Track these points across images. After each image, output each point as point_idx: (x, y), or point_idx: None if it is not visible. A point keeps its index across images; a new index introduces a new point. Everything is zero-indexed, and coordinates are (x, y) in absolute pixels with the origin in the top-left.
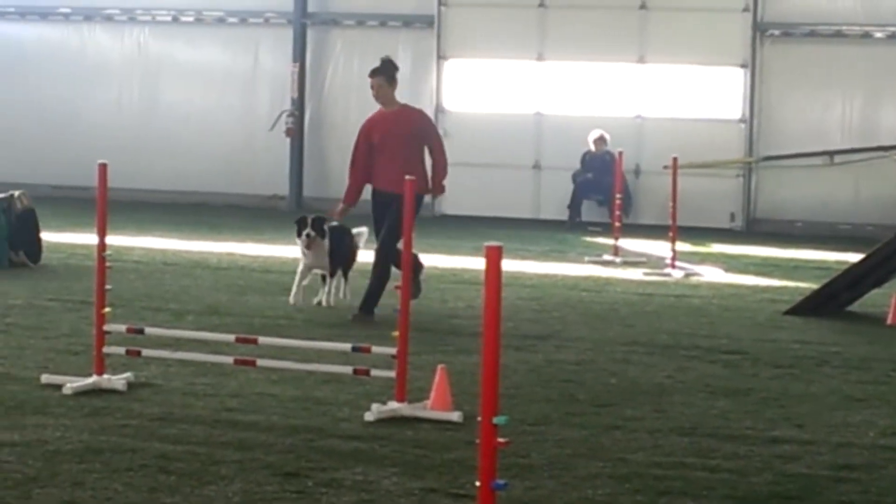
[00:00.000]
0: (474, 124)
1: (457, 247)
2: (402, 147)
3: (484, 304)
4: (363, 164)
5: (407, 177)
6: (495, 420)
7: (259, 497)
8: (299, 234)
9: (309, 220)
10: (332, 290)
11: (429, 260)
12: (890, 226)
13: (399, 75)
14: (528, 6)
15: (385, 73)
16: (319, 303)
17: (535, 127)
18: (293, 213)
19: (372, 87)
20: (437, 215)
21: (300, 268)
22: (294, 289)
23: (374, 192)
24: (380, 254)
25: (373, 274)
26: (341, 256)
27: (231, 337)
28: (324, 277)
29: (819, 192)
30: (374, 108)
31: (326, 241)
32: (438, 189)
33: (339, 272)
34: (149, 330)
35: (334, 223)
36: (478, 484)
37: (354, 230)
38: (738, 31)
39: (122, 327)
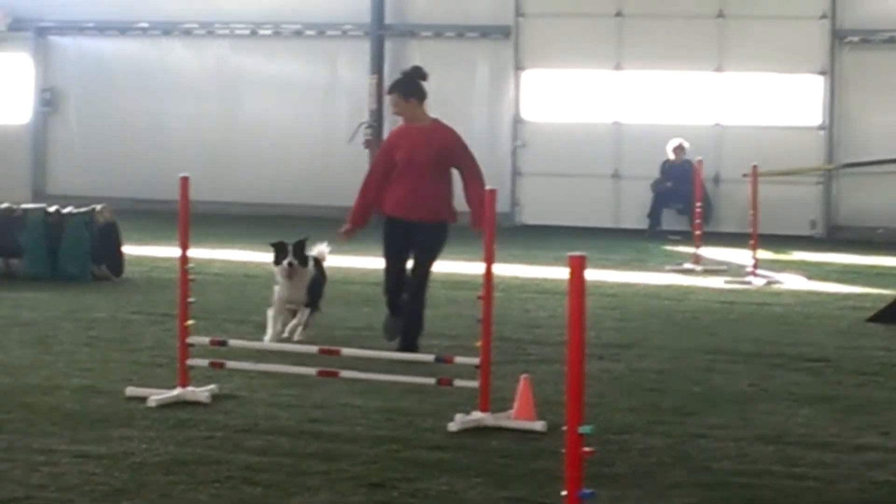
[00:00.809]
0: (553, 134)
1: (538, 256)
2: (431, 170)
3: (568, 314)
4: (376, 183)
5: (487, 188)
6: (581, 429)
7: None
8: (278, 262)
9: (290, 247)
10: (303, 324)
11: (509, 270)
12: None
13: (475, 85)
14: (606, 15)
15: (398, 89)
16: (287, 338)
17: (614, 136)
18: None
19: (392, 104)
20: (518, 225)
21: (274, 304)
22: (270, 331)
23: (392, 222)
24: (418, 288)
25: (412, 309)
26: (317, 286)
27: (314, 348)
28: (293, 311)
29: None
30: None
31: (308, 270)
32: (479, 222)
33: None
34: (232, 342)
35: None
36: (564, 493)
37: (315, 251)
38: (817, 39)
39: (206, 339)
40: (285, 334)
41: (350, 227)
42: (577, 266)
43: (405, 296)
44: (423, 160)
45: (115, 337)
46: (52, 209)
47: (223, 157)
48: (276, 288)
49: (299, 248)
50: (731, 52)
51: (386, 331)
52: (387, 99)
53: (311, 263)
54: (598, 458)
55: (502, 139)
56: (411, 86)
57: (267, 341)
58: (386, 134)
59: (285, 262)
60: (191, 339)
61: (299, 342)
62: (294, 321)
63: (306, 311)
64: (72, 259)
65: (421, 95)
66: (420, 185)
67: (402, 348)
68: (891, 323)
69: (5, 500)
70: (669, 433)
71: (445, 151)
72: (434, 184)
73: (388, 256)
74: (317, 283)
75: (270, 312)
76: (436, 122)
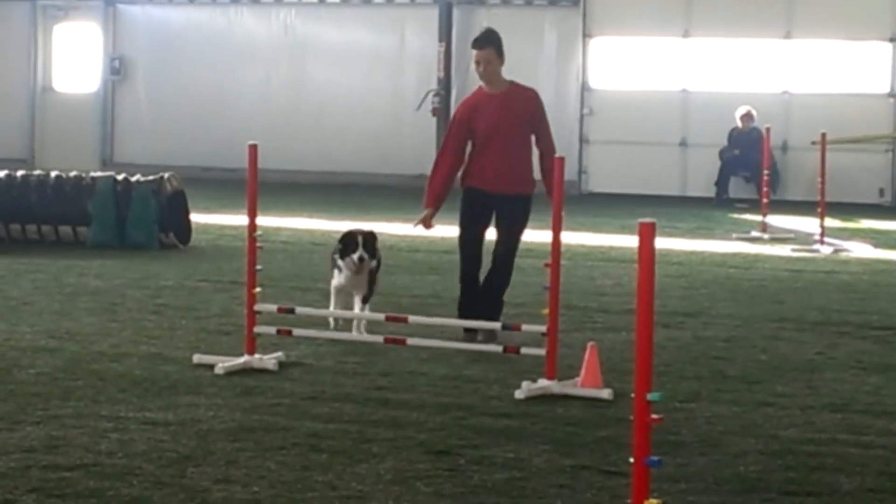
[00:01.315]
0: (620, 102)
1: (604, 224)
2: (517, 138)
3: (637, 281)
4: (453, 160)
5: (557, 155)
6: (649, 396)
7: (411, 475)
8: (346, 255)
9: (360, 239)
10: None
11: (576, 238)
12: None
13: (543, 52)
14: None
15: (495, 43)
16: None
17: (682, 104)
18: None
19: (478, 63)
20: (584, 193)
21: (333, 292)
22: (332, 321)
23: (475, 192)
24: (504, 267)
25: (495, 290)
26: (373, 275)
27: (381, 316)
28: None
29: None
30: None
31: (374, 263)
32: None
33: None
34: (299, 310)
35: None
36: (631, 461)
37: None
38: (886, 5)
39: (273, 307)
40: (353, 333)
41: (430, 213)
42: (647, 233)
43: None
44: (508, 129)
45: (182, 305)
46: (120, 177)
47: (291, 125)
48: (336, 275)
49: (370, 242)
50: (799, 19)
51: (464, 315)
52: (457, 66)
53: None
54: (665, 427)
55: (570, 107)
56: (501, 44)
57: (332, 326)
58: (455, 103)
59: (356, 256)
60: (258, 307)
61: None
62: (355, 319)
63: (366, 307)
64: (139, 227)
65: (503, 57)
66: (508, 156)
67: (486, 339)
68: None
69: (74, 466)
70: (736, 401)
71: (528, 116)
72: (521, 154)
73: (468, 228)
74: (373, 273)
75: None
76: (514, 85)
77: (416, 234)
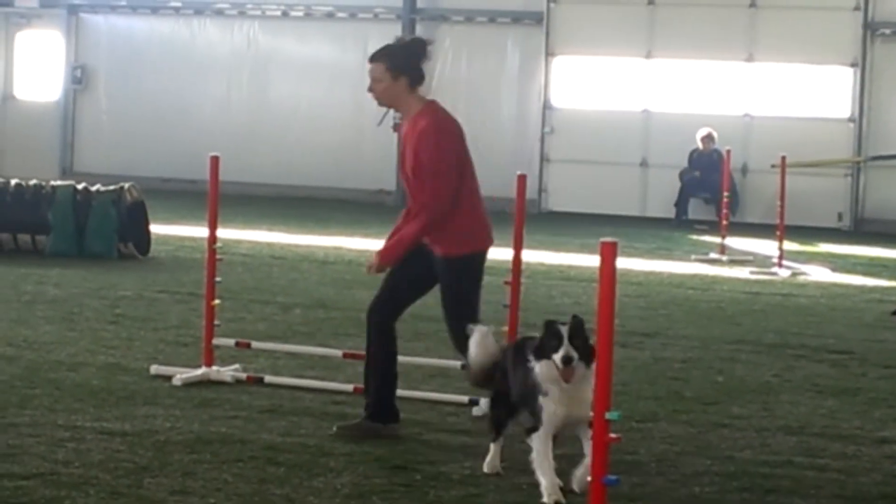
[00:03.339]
0: (582, 121)
1: (564, 243)
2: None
3: (598, 300)
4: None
5: (518, 173)
6: (607, 415)
7: (368, 489)
8: (547, 354)
9: (564, 329)
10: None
11: (535, 256)
12: None
13: (505, 70)
14: (637, 3)
15: (390, 58)
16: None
17: (643, 124)
18: (399, 207)
19: (372, 82)
20: (544, 211)
21: (543, 427)
22: (546, 481)
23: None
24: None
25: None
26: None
27: (339, 352)
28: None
29: None
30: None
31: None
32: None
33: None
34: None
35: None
36: (589, 479)
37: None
38: (849, 30)
39: (231, 342)
40: (573, 487)
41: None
42: (609, 253)
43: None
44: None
45: (140, 315)
46: (80, 187)
47: (252, 138)
48: (542, 400)
49: (579, 329)
50: (761, 43)
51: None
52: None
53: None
54: (622, 446)
55: (531, 125)
56: (403, 60)
57: (486, 468)
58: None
59: (563, 355)
60: (218, 321)
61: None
62: (581, 468)
63: (589, 434)
64: (98, 237)
65: (409, 76)
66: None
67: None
68: None
69: (30, 475)
70: (692, 422)
71: (413, 157)
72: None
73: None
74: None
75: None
76: (421, 111)
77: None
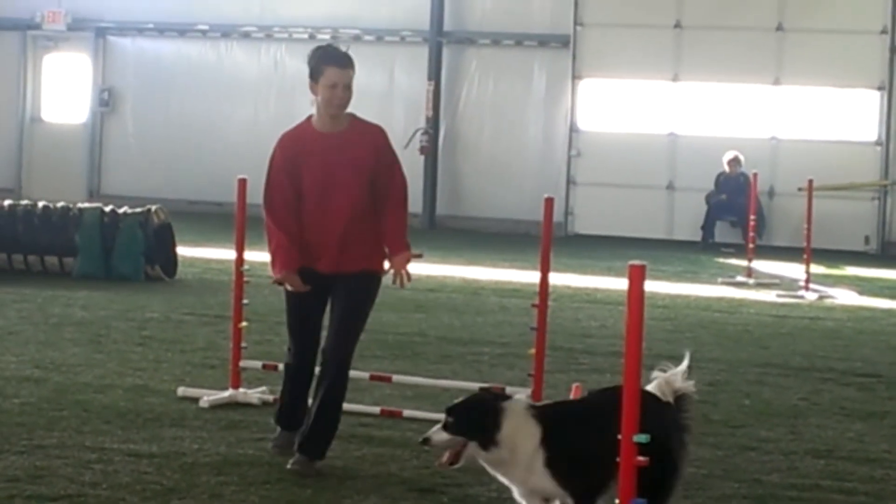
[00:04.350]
0: (608, 144)
1: (590, 266)
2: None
3: (626, 323)
4: None
5: (545, 196)
6: (635, 438)
7: None
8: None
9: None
10: None
11: (562, 279)
12: None
13: (532, 93)
14: (665, 27)
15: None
16: None
17: (670, 147)
18: (425, 231)
19: (335, 87)
20: (571, 234)
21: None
22: None
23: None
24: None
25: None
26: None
27: (366, 374)
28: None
29: None
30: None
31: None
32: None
33: None
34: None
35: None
36: (617, 502)
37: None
38: (876, 53)
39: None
40: None
41: None
42: (637, 275)
43: None
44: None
45: (167, 337)
46: (107, 209)
47: None
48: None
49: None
50: (788, 66)
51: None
52: (445, 105)
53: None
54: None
55: (558, 148)
56: None
57: None
58: (443, 141)
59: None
60: (244, 342)
61: None
62: None
63: None
64: (126, 259)
65: None
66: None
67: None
68: None
69: (58, 497)
70: (720, 445)
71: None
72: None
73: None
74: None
75: None
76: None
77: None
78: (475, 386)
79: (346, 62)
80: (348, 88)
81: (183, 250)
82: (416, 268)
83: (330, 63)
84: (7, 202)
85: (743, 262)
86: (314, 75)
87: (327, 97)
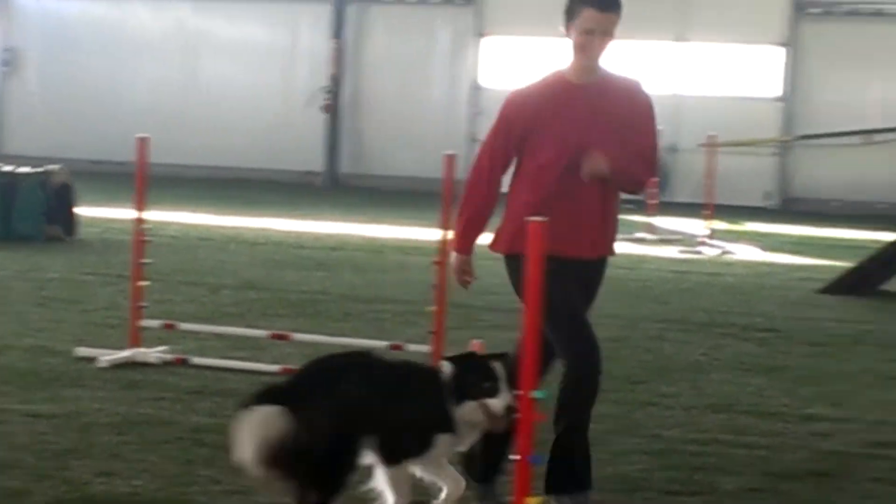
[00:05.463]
0: None
1: (491, 223)
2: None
3: (526, 280)
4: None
5: (447, 153)
6: (534, 394)
7: None
8: (479, 395)
9: (499, 369)
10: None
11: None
12: None
13: (435, 51)
14: None
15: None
16: None
17: None
18: (328, 189)
19: (591, 32)
20: None
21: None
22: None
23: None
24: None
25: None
26: None
27: (264, 333)
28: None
29: (855, 171)
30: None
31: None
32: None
33: None
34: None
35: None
36: (515, 458)
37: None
38: (779, 10)
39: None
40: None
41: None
42: (537, 231)
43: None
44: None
45: (67, 297)
46: (6, 169)
47: (181, 119)
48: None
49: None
50: (691, 22)
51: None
52: (349, 63)
53: None
54: (548, 425)
55: (460, 105)
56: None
57: None
58: (348, 100)
59: (500, 402)
60: (144, 301)
61: None
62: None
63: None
64: (25, 219)
65: None
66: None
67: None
68: (842, 294)
69: None
70: (620, 401)
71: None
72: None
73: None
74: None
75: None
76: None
77: (302, 230)
78: (376, 344)
79: (607, 4)
80: (608, 35)
81: (85, 210)
82: (316, 226)
83: (588, 3)
84: None
85: (644, 219)
86: (570, 14)
87: (580, 43)
